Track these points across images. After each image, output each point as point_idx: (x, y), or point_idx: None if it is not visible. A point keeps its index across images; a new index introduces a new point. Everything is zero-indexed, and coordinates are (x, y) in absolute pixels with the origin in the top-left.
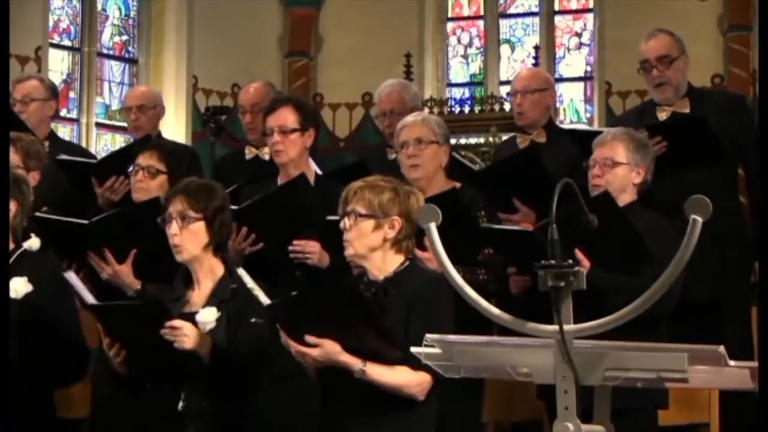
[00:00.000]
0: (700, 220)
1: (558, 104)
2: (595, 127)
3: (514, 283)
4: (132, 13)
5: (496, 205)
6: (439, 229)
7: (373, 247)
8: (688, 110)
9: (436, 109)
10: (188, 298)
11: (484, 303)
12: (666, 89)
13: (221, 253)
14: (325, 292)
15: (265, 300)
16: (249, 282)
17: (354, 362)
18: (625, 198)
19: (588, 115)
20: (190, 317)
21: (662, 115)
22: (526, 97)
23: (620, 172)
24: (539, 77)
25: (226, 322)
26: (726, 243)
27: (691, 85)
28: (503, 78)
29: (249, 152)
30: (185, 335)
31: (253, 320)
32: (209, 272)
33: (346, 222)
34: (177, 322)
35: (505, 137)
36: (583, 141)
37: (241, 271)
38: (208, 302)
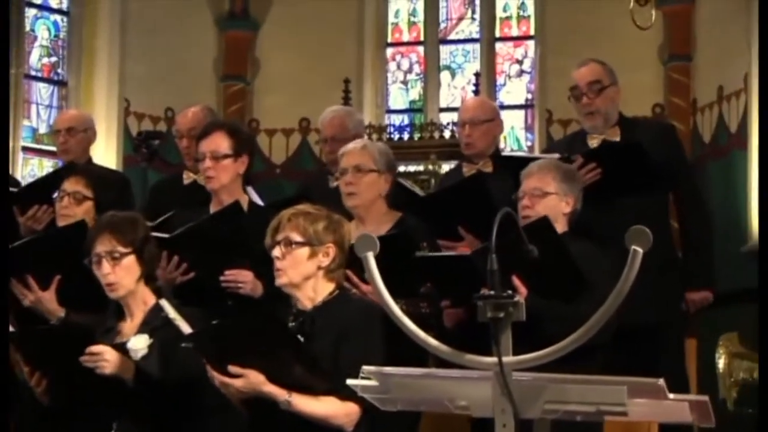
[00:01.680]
0: (640, 250)
1: None
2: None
3: (447, 317)
4: (62, 34)
5: (441, 233)
6: (380, 259)
7: (307, 276)
8: (618, 138)
9: (374, 136)
10: (120, 329)
11: (421, 334)
12: (595, 118)
13: (152, 283)
14: (247, 322)
15: (186, 329)
16: (170, 312)
17: (279, 393)
18: (556, 228)
19: (528, 143)
20: (122, 348)
21: (593, 143)
22: (475, 128)
23: (550, 202)
24: (487, 107)
25: (159, 350)
26: (658, 270)
27: (622, 114)
28: (443, 105)
29: (187, 177)
30: (105, 360)
31: (183, 345)
32: (141, 303)
33: (278, 250)
34: (97, 348)
35: (445, 165)
36: (518, 169)
37: (163, 302)
38: (140, 331)
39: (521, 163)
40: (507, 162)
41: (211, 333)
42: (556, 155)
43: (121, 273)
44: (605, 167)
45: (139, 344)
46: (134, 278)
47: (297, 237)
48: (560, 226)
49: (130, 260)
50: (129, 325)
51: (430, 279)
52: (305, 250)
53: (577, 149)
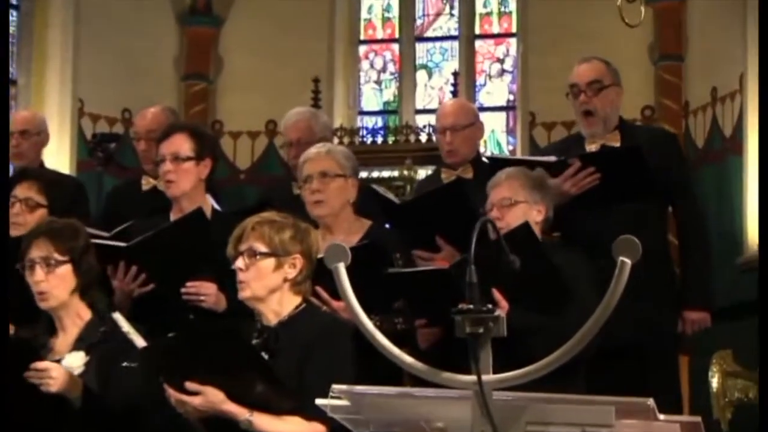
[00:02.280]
0: (628, 262)
1: None
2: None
3: (422, 337)
4: (11, 29)
5: (418, 243)
6: (352, 272)
7: (272, 289)
8: (618, 144)
9: (346, 139)
10: (52, 346)
11: (395, 351)
12: (593, 122)
13: (88, 297)
14: (206, 336)
15: (141, 343)
16: (124, 325)
17: (240, 412)
18: None
19: (510, 147)
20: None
21: (591, 148)
22: (456, 134)
23: (520, 211)
24: (467, 111)
25: (96, 367)
26: (652, 285)
27: (623, 119)
28: (419, 106)
29: (146, 183)
30: (51, 377)
31: (124, 364)
32: (76, 317)
33: (241, 261)
34: (43, 364)
35: (421, 171)
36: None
37: (117, 315)
38: (75, 347)
39: (510, 165)
40: (495, 164)
41: (167, 347)
42: (552, 158)
43: (54, 281)
44: (603, 172)
45: (74, 362)
46: (68, 289)
47: (261, 247)
48: None
49: (66, 269)
50: (62, 341)
51: (404, 296)
52: (270, 262)
53: (573, 153)
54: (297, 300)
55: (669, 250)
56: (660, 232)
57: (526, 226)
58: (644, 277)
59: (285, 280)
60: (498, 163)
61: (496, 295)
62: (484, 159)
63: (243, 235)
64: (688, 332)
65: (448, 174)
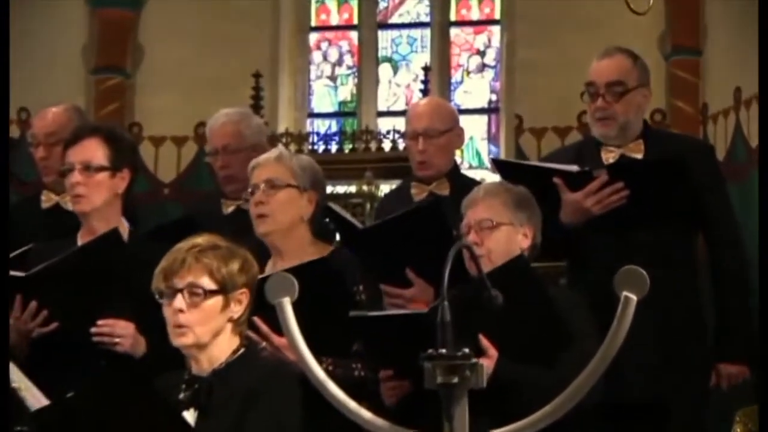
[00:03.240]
0: (634, 298)
1: None
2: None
3: (388, 391)
4: None
5: (384, 276)
6: (303, 307)
7: (217, 332)
8: (641, 155)
9: (293, 147)
10: None
11: (351, 404)
12: (608, 124)
13: None
14: (115, 393)
15: (34, 403)
16: (15, 379)
17: None
18: None
19: (492, 157)
20: None
21: (608, 158)
22: (431, 141)
23: (502, 235)
24: (445, 113)
25: None
26: (680, 331)
27: (648, 125)
28: (382, 107)
29: (46, 199)
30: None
31: (18, 429)
32: None
33: (181, 301)
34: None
35: (384, 185)
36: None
37: (11, 367)
38: None
39: (521, 171)
40: (505, 171)
41: (65, 409)
42: (575, 167)
43: None
44: (634, 189)
45: None
46: None
47: (209, 283)
48: None
49: None
50: None
51: (366, 342)
52: (218, 301)
53: (588, 162)
54: (236, 342)
55: (699, 291)
56: (689, 267)
57: (521, 260)
58: (669, 319)
59: (230, 320)
60: (508, 170)
61: (484, 341)
62: (487, 166)
63: (182, 265)
64: (723, 387)
65: (420, 190)
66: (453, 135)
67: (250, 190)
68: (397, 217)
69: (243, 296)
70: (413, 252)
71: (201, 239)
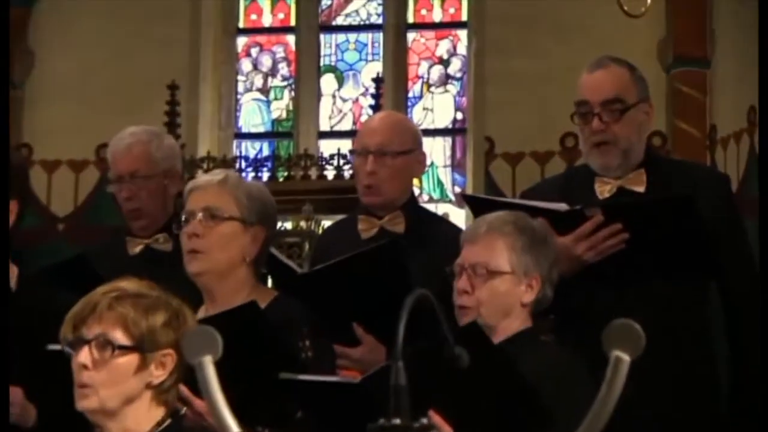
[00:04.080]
0: (626, 359)
1: None
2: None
3: None
4: None
5: (330, 331)
6: (233, 365)
7: (128, 398)
8: (642, 187)
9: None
10: None
11: None
12: (609, 151)
13: None
14: None
15: None
16: None
17: None
18: (510, 326)
19: (457, 188)
20: None
21: (603, 191)
22: (384, 162)
23: (501, 285)
24: (405, 131)
25: None
26: (690, 398)
27: (651, 150)
28: (324, 127)
29: None
30: None
31: None
32: None
33: (86, 355)
34: None
35: (326, 221)
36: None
37: None
38: None
39: (496, 210)
40: (477, 208)
41: None
42: (563, 205)
43: None
44: (634, 230)
45: None
46: None
47: (122, 337)
48: (517, 322)
49: None
50: None
51: (305, 409)
52: (132, 359)
53: (578, 197)
54: (160, 413)
55: (713, 348)
56: (700, 319)
57: (472, 327)
58: (677, 384)
59: (148, 386)
60: (479, 207)
61: (434, 417)
62: (451, 198)
63: (92, 313)
64: None
65: (368, 225)
66: (412, 159)
67: (183, 217)
68: (345, 261)
69: (168, 358)
70: (363, 303)
71: (127, 283)
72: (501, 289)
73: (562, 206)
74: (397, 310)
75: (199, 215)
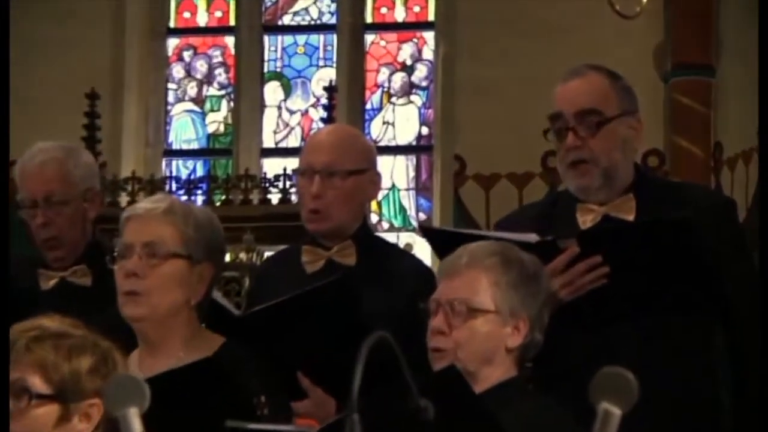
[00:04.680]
0: (617, 413)
1: None
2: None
3: None
4: None
5: (278, 381)
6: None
7: None
8: (631, 215)
9: (142, 196)
10: None
11: None
12: (587, 171)
13: None
14: None
15: None
16: None
17: None
18: (492, 374)
19: (422, 215)
20: None
21: (586, 220)
22: (332, 183)
23: (483, 325)
24: (356, 148)
25: None
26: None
27: (641, 171)
28: (268, 144)
29: None
30: None
31: None
32: None
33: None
34: None
35: (269, 252)
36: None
37: None
38: None
39: (457, 243)
40: (434, 241)
41: None
42: (532, 236)
43: None
44: (616, 263)
45: None
46: None
47: (40, 384)
48: (501, 370)
49: None
50: None
51: None
52: (52, 410)
53: (558, 227)
54: None
55: (719, 390)
56: (700, 367)
57: (450, 371)
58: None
59: None
60: (438, 241)
61: None
62: (414, 226)
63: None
64: None
65: (314, 256)
66: (364, 180)
67: (116, 251)
68: (285, 302)
69: (94, 409)
70: (309, 349)
71: (48, 320)
72: (482, 330)
73: (532, 237)
74: (348, 357)
75: (138, 250)
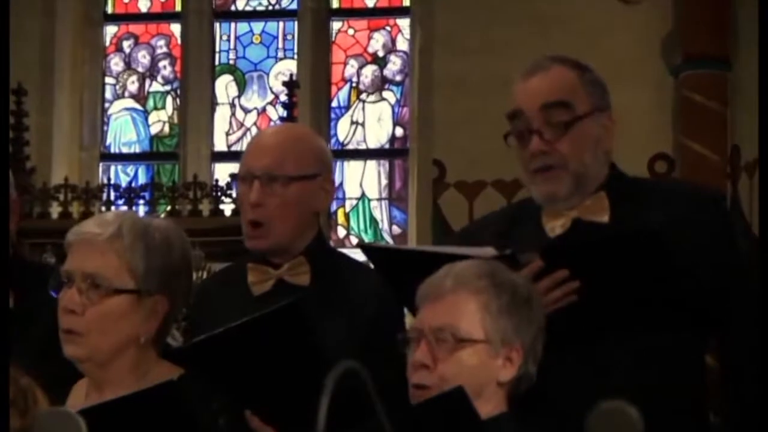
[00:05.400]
0: None
1: (334, 204)
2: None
3: None
4: None
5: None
6: None
7: None
8: (605, 216)
9: (76, 207)
10: None
11: None
12: (555, 177)
13: None
14: None
15: None
16: None
17: None
18: (481, 409)
19: (396, 228)
20: None
21: (554, 226)
22: (273, 191)
23: (471, 357)
24: (302, 149)
25: None
26: None
27: (616, 170)
28: (220, 146)
29: None
30: None
31: None
32: None
33: None
34: None
35: (218, 267)
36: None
37: None
38: None
39: (401, 263)
40: (377, 260)
41: None
42: (489, 249)
43: None
44: (586, 278)
45: None
46: None
47: None
48: (492, 404)
49: None
50: None
51: None
52: None
53: (524, 236)
54: None
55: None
56: (695, 383)
57: (459, 395)
58: None
59: None
60: (381, 260)
61: None
62: (387, 241)
63: None
64: None
65: (261, 276)
66: (312, 187)
67: (62, 277)
68: (230, 330)
69: None
70: (259, 384)
71: None
72: (471, 362)
73: (488, 251)
74: (304, 392)
75: (78, 281)
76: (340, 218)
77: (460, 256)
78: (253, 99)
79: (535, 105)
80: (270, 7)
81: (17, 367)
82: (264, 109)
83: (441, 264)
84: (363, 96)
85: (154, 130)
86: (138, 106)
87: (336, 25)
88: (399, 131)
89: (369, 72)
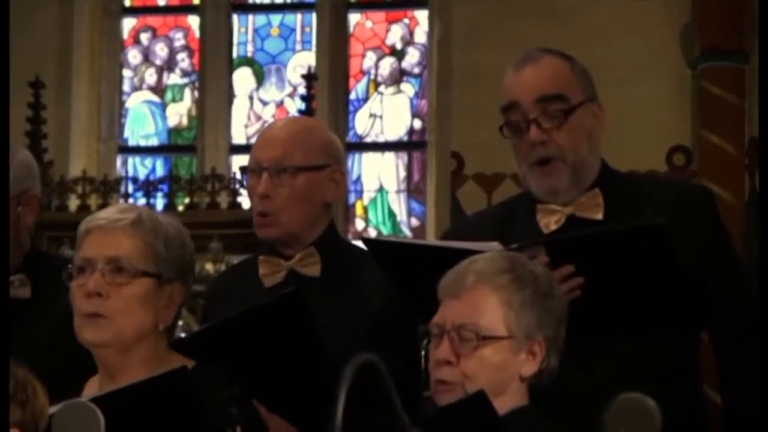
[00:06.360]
0: None
1: (352, 197)
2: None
3: None
4: None
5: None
6: None
7: None
8: (600, 213)
9: (94, 199)
10: None
11: None
12: (555, 169)
13: None
14: None
15: None
16: None
17: None
18: (504, 404)
19: (415, 221)
20: None
21: (549, 222)
22: (281, 182)
23: (495, 354)
24: (311, 141)
25: None
26: None
27: (606, 166)
28: (238, 139)
29: None
30: None
31: None
32: None
33: None
34: None
35: (235, 260)
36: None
37: None
38: None
39: (402, 256)
40: (379, 255)
41: None
42: (494, 244)
43: None
44: (590, 272)
45: None
46: None
47: None
48: (514, 398)
49: None
50: None
51: None
52: None
53: (519, 233)
54: None
55: (704, 412)
56: (692, 379)
57: (481, 399)
58: None
59: None
60: (382, 253)
61: None
62: (406, 233)
63: None
64: None
65: (272, 268)
66: (321, 178)
67: (78, 265)
68: (229, 322)
69: None
70: (265, 373)
71: None
72: (494, 359)
73: (495, 246)
74: (308, 381)
75: (101, 266)
76: (359, 211)
77: (464, 250)
78: (271, 91)
79: (532, 97)
80: (288, 0)
81: (16, 359)
82: (282, 102)
83: (446, 258)
84: (381, 88)
85: (172, 122)
86: (156, 99)
87: (354, 17)
88: (417, 123)
89: (387, 64)
